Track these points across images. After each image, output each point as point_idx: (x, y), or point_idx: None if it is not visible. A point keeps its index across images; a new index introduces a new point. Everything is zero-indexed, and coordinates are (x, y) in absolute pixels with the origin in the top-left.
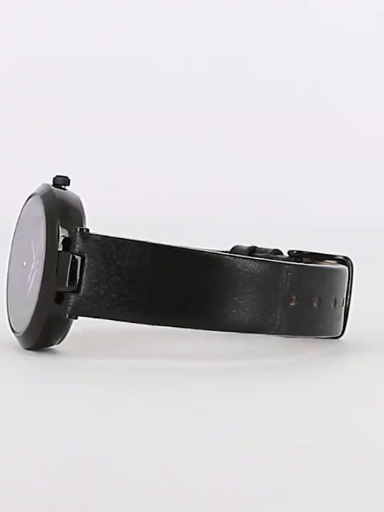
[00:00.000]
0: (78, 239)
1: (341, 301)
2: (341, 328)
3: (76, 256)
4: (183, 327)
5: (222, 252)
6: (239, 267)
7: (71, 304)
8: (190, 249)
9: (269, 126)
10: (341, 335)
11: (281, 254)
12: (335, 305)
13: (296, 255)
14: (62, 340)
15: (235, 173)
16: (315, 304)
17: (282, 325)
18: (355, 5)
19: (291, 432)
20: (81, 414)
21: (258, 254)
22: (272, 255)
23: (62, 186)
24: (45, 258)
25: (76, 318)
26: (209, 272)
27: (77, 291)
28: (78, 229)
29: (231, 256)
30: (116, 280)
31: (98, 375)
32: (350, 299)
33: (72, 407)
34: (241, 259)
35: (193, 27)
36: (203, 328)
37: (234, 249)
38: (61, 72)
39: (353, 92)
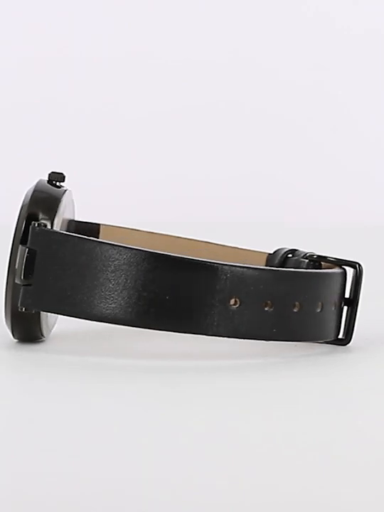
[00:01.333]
0: (33, 234)
1: (332, 306)
2: (333, 333)
3: (31, 250)
4: (119, 324)
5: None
6: (172, 265)
7: (24, 296)
8: (125, 247)
9: (271, 128)
10: (346, 340)
11: (313, 257)
12: (321, 309)
13: (315, 260)
14: (42, 332)
15: (236, 173)
16: (266, 307)
17: (221, 326)
18: (357, 5)
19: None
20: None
21: (291, 258)
22: (301, 258)
23: (55, 182)
24: (10, 252)
25: (31, 311)
26: (140, 269)
27: (31, 284)
28: (35, 224)
29: (165, 254)
30: (60, 275)
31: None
32: (353, 304)
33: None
34: (172, 258)
35: (194, 28)
36: (137, 326)
37: (276, 252)
38: (62, 72)
39: (356, 93)
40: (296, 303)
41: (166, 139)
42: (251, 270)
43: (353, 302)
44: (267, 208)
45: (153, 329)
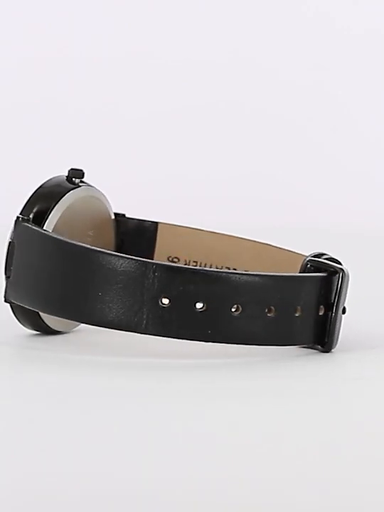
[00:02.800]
0: (14, 227)
1: (293, 310)
2: (307, 338)
3: (11, 243)
4: (64, 318)
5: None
6: (104, 262)
7: (7, 289)
8: (70, 243)
9: (271, 128)
10: (327, 345)
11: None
12: (272, 312)
13: (311, 261)
14: (47, 325)
15: (235, 173)
16: (198, 308)
17: (152, 324)
18: (357, 5)
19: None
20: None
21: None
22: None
23: (72, 179)
24: None
25: (10, 304)
26: (81, 267)
27: (9, 277)
28: (18, 217)
29: (98, 251)
30: (25, 270)
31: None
32: (330, 309)
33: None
34: (107, 255)
35: (194, 28)
36: (77, 321)
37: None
38: (62, 72)
39: (356, 93)
40: (236, 305)
41: (166, 139)
42: (180, 270)
43: (332, 307)
44: (266, 208)
45: (89, 324)
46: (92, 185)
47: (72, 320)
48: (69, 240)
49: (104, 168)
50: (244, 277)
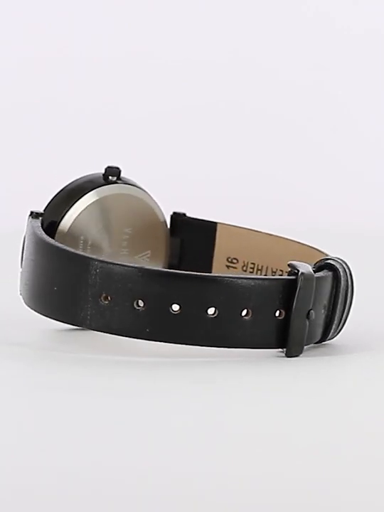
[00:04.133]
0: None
1: (245, 312)
2: (261, 341)
3: (24, 238)
4: (39, 313)
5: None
6: (56, 257)
7: (20, 282)
8: (41, 239)
9: (271, 128)
10: (287, 349)
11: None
12: (213, 313)
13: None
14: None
15: (235, 173)
16: (136, 306)
17: (94, 320)
18: (357, 5)
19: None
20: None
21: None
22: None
23: (108, 177)
24: None
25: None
26: (45, 260)
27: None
28: (31, 213)
29: (54, 245)
30: (23, 263)
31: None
32: (288, 313)
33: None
34: (59, 249)
35: (194, 28)
36: (45, 315)
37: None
38: (62, 72)
39: (356, 93)
40: (177, 304)
41: (166, 139)
42: (119, 267)
43: (288, 311)
44: (266, 208)
45: (44, 316)
46: (133, 183)
47: (42, 314)
48: (44, 236)
49: (103, 168)
50: (183, 277)
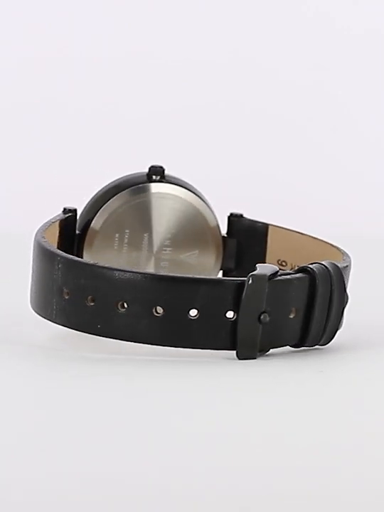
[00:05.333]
0: None
1: (186, 312)
2: (216, 342)
3: None
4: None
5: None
6: (35, 253)
7: None
8: (35, 239)
9: (271, 128)
10: (238, 351)
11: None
12: (159, 312)
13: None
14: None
15: (235, 173)
16: (88, 302)
17: (58, 315)
18: (357, 5)
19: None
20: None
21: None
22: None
23: (151, 176)
24: None
25: None
26: (34, 260)
27: None
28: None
29: (38, 243)
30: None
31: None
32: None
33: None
34: (38, 245)
35: (194, 28)
36: (37, 313)
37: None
38: (62, 72)
39: (356, 93)
40: (122, 302)
41: (166, 139)
42: (78, 263)
43: (238, 312)
44: (266, 207)
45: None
46: (180, 182)
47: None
48: (37, 237)
49: (103, 168)
50: (128, 275)
